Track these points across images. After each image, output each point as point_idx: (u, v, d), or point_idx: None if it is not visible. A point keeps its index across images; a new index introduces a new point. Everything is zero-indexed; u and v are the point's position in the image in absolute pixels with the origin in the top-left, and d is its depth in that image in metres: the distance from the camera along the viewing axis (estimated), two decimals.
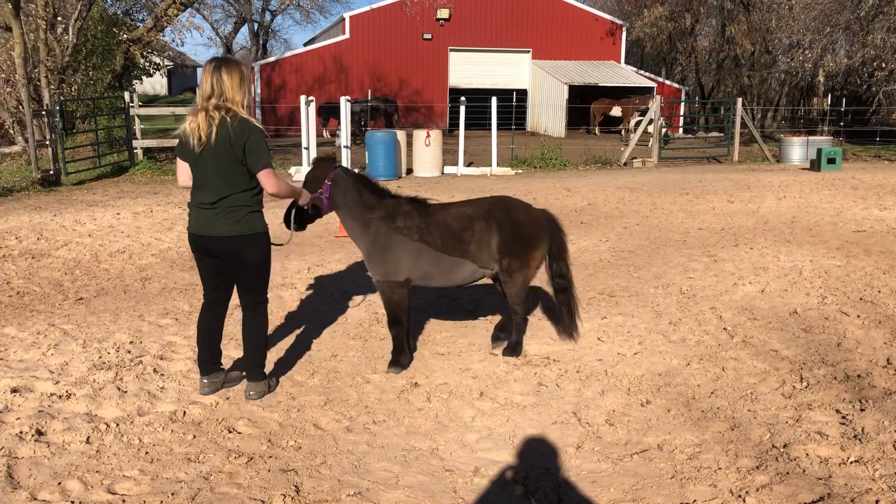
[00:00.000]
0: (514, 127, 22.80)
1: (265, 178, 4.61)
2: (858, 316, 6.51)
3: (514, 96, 23.97)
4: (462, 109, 19.28)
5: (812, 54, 27.84)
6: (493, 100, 19.75)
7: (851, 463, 4.00)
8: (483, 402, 4.93)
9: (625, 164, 21.14)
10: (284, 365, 5.59)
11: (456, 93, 33.30)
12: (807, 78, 32.85)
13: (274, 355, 5.80)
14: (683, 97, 37.44)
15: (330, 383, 5.27)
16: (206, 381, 5.05)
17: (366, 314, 6.86)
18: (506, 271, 5.45)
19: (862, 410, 4.63)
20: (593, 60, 36.80)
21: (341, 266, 8.65)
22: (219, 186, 4.60)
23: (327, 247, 9.81)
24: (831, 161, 18.89)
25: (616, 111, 32.52)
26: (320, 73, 33.53)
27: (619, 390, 5.12)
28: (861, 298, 7.04)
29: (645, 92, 33.89)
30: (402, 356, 5.52)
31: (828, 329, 6.25)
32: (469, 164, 19.93)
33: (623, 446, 4.33)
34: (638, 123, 25.13)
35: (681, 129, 33.09)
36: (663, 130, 24.21)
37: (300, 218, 5.29)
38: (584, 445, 4.34)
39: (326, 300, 7.31)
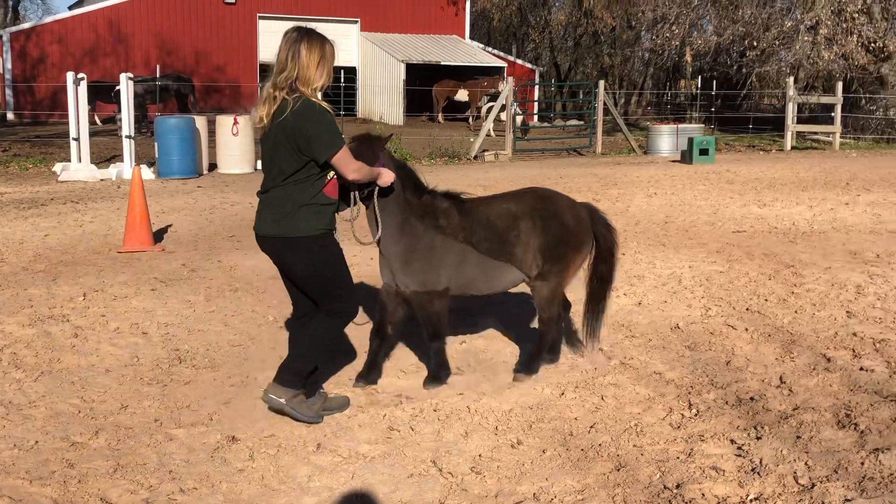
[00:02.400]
0: (342, 113, 22.76)
1: (341, 165, 4.82)
2: (746, 329, 6.94)
3: (342, 76, 23.94)
4: None
5: (679, 30, 29.75)
6: None
7: (751, 501, 4.21)
8: (321, 456, 4.81)
9: (475, 157, 21.64)
10: (57, 422, 5.20)
11: (268, 70, 32.81)
12: (673, 57, 35.08)
13: (42, 410, 5.39)
14: (538, 79, 38.93)
15: (121, 443, 4.96)
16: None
17: (164, 352, 6.54)
18: (540, 275, 5.77)
19: (758, 439, 4.91)
20: (434, 35, 37.48)
21: (129, 290, 8.22)
22: (269, 175, 4.91)
23: (108, 266, 9.30)
24: (704, 152, 20.20)
25: (462, 95, 33.25)
26: (92, 44, 32.01)
27: (486, 430, 5.16)
28: (747, 309, 7.51)
29: (494, 72, 34.90)
30: (442, 371, 5.78)
31: (715, 345, 6.61)
32: None
33: (493, 499, 4.34)
34: (489, 110, 25.79)
35: (535, 117, 34.33)
36: (519, 118, 25.01)
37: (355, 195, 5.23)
38: (447, 501, 4.32)
39: (110, 335, 6.92)
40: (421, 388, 5.78)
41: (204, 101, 32.00)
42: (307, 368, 5.10)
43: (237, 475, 4.59)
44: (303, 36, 4.83)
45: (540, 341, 6.03)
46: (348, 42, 36.45)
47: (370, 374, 5.81)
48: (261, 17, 34.82)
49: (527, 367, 6.00)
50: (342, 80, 23.63)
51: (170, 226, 11.86)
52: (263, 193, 4.96)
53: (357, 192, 5.19)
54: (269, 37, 35.01)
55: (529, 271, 5.75)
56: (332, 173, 4.92)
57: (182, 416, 5.37)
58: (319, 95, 4.89)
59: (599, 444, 4.93)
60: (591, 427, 5.19)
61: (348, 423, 5.24)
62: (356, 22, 36.28)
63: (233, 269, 9.23)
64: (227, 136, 18.03)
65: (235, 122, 18.02)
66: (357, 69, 36.16)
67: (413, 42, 36.21)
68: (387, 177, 5.19)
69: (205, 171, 17.87)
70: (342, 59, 35.45)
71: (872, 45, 26.16)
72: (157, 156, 17.11)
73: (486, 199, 5.95)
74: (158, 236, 10.88)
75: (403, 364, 6.23)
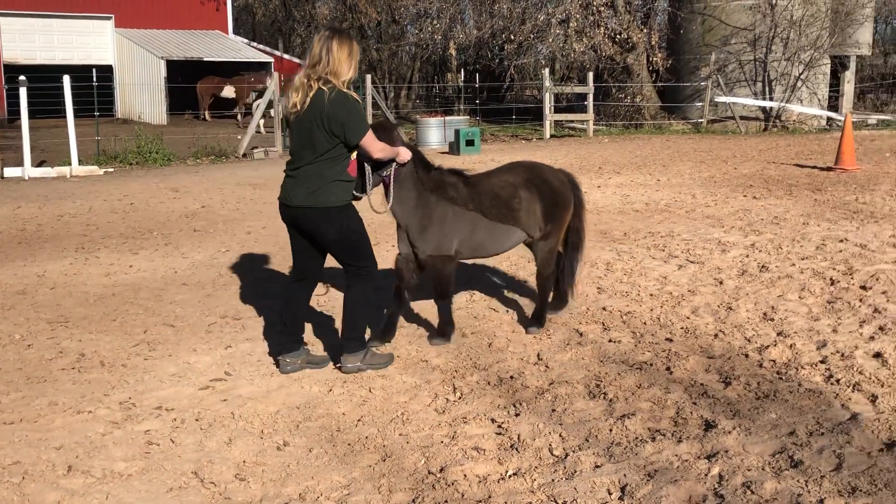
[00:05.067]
0: (97, 113, 21.51)
1: (368, 145, 5.58)
2: (507, 311, 7.20)
3: (95, 74, 22.65)
4: (23, 92, 17.73)
5: (441, 25, 30.44)
6: (66, 79, 18.50)
7: (510, 477, 4.37)
8: (72, 479, 4.52)
9: (244, 155, 21.16)
10: None
11: (14, 71, 30.51)
12: (438, 51, 35.86)
13: None
14: None
15: None
16: (288, 359, 5.90)
17: None
18: (543, 236, 6.57)
19: (517, 415, 5.11)
20: (194, 30, 36.28)
21: None
22: (301, 155, 5.56)
23: None
24: (470, 143, 20.84)
25: (229, 91, 32.40)
26: None
27: (251, 435, 5.04)
28: (508, 291, 7.80)
29: (261, 68, 34.24)
30: (448, 327, 6.46)
31: (478, 329, 6.81)
32: (40, 164, 18.50)
33: None
34: (258, 106, 25.28)
35: None
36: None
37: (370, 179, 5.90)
38: None
39: None
40: (184, 399, 5.58)
41: None
42: (363, 329, 5.97)
43: None
44: (334, 34, 5.53)
45: (540, 297, 6.79)
46: (102, 39, 34.55)
47: (386, 334, 6.45)
48: (2, 15, 32.31)
49: (537, 320, 6.74)
50: (95, 79, 22.29)
51: None
52: (294, 170, 5.61)
53: (374, 169, 5.89)
54: (13, 35, 32.60)
55: (533, 232, 6.53)
56: (354, 154, 5.64)
57: None
58: (346, 86, 5.52)
59: (366, 437, 4.95)
60: (359, 420, 5.20)
61: (102, 441, 4.95)
62: (110, 18, 34.41)
63: None
64: None
65: None
66: (113, 67, 34.37)
67: (173, 38, 34.85)
68: (405, 154, 5.96)
69: None
70: (95, 58, 33.63)
71: (618, 36, 27.90)
72: None
73: (486, 174, 6.72)
74: None
75: (162, 374, 5.98)
